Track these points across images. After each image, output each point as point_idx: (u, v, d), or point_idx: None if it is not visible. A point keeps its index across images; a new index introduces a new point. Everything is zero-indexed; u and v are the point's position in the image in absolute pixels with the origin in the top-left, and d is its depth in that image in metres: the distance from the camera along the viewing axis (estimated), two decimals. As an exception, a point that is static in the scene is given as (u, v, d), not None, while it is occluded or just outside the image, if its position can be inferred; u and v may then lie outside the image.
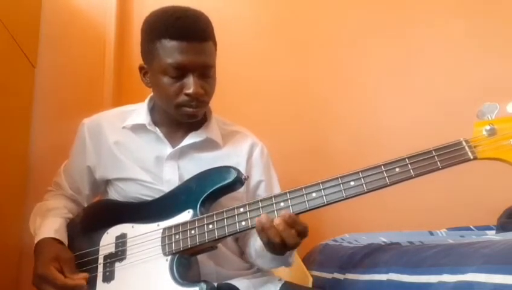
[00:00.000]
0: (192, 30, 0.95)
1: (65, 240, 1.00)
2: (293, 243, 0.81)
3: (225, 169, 0.95)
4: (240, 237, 1.09)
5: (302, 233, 0.82)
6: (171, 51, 0.94)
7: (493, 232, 1.37)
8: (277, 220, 0.80)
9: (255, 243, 1.00)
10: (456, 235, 1.37)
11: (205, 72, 0.98)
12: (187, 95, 0.96)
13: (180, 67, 0.95)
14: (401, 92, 1.90)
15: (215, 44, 1.01)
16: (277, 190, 1.09)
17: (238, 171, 0.94)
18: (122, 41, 1.93)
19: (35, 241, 0.98)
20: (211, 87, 1.01)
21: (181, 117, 1.01)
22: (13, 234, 1.20)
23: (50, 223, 1.01)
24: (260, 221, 0.81)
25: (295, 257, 1.36)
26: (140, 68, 1.04)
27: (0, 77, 1.14)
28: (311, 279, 1.27)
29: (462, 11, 1.91)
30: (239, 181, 0.94)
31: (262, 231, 0.81)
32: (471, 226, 1.49)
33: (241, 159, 1.08)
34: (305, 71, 1.95)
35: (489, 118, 0.77)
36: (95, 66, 1.83)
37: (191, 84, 0.95)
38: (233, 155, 1.08)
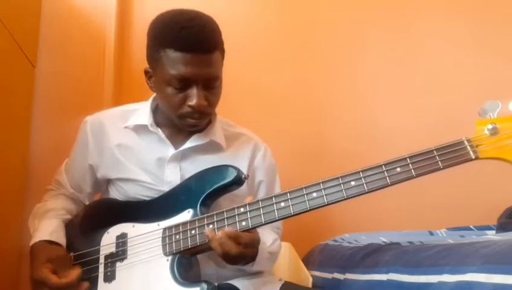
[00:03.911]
0: (197, 42, 0.92)
1: (62, 241, 1.00)
2: (235, 253, 0.84)
3: (225, 168, 0.95)
4: None
5: (246, 244, 0.85)
6: (174, 62, 0.92)
7: (493, 232, 1.37)
8: (219, 234, 0.84)
9: None
10: (456, 235, 1.37)
11: (210, 83, 0.96)
12: (190, 106, 0.95)
13: (183, 79, 0.93)
14: (402, 91, 1.90)
15: (222, 53, 0.99)
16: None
17: (238, 170, 0.94)
18: (122, 42, 1.93)
19: (30, 244, 0.98)
20: (216, 97, 1.00)
21: (183, 126, 1.01)
22: (13, 234, 1.20)
23: (46, 226, 1.01)
24: (205, 233, 0.86)
25: (296, 257, 1.37)
26: (146, 72, 1.03)
27: (0, 77, 1.14)
28: (311, 279, 1.27)
29: (462, 11, 1.91)
30: (239, 180, 0.94)
31: (209, 242, 0.86)
32: (471, 226, 1.49)
33: (244, 163, 1.07)
34: (306, 72, 1.95)
35: (492, 116, 0.76)
36: (95, 66, 1.83)
37: (194, 96, 0.94)
38: (236, 158, 1.07)
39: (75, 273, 0.94)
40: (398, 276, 0.93)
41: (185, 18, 0.94)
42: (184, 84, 0.94)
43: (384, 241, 1.25)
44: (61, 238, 1.01)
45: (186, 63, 0.92)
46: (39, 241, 0.97)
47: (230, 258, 0.86)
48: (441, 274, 0.83)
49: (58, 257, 0.95)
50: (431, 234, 1.45)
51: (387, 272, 0.97)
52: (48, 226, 1.00)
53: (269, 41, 1.99)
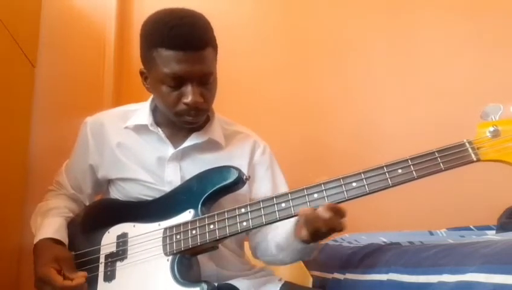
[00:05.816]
0: (188, 39, 0.92)
1: (65, 240, 1.00)
2: (340, 228, 0.81)
3: (226, 169, 0.96)
4: (250, 236, 1.08)
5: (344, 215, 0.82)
6: (167, 60, 0.92)
7: (493, 232, 1.38)
8: (322, 211, 0.80)
9: (276, 237, 0.99)
10: (456, 235, 1.37)
11: (204, 80, 0.96)
12: (186, 104, 0.95)
13: (177, 77, 0.93)
14: (402, 94, 1.90)
15: (215, 48, 0.99)
16: (283, 188, 1.09)
17: (240, 171, 0.94)
18: (122, 42, 1.93)
19: (34, 242, 0.98)
20: (211, 93, 1.00)
21: (181, 124, 1.01)
22: (13, 234, 1.20)
23: (49, 224, 1.01)
24: (305, 213, 0.81)
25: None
26: (141, 73, 1.03)
27: (0, 77, 1.14)
28: (311, 279, 1.28)
29: (462, 14, 1.92)
30: (240, 181, 0.94)
31: (307, 223, 0.82)
32: (471, 226, 1.49)
33: (243, 161, 1.07)
34: (306, 75, 1.96)
35: (493, 119, 0.76)
36: (95, 66, 1.83)
37: (189, 94, 0.94)
38: (236, 156, 1.07)
39: (80, 278, 0.91)
40: (398, 276, 0.94)
41: (175, 16, 0.94)
42: (178, 82, 0.94)
43: (384, 241, 1.25)
44: (64, 237, 1.01)
45: (179, 61, 0.92)
46: (43, 239, 0.97)
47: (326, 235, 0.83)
48: (441, 274, 0.83)
49: (63, 257, 0.95)
50: (431, 234, 1.45)
51: (387, 272, 0.97)
52: (52, 224, 1.01)
53: (269, 44, 1.99)
